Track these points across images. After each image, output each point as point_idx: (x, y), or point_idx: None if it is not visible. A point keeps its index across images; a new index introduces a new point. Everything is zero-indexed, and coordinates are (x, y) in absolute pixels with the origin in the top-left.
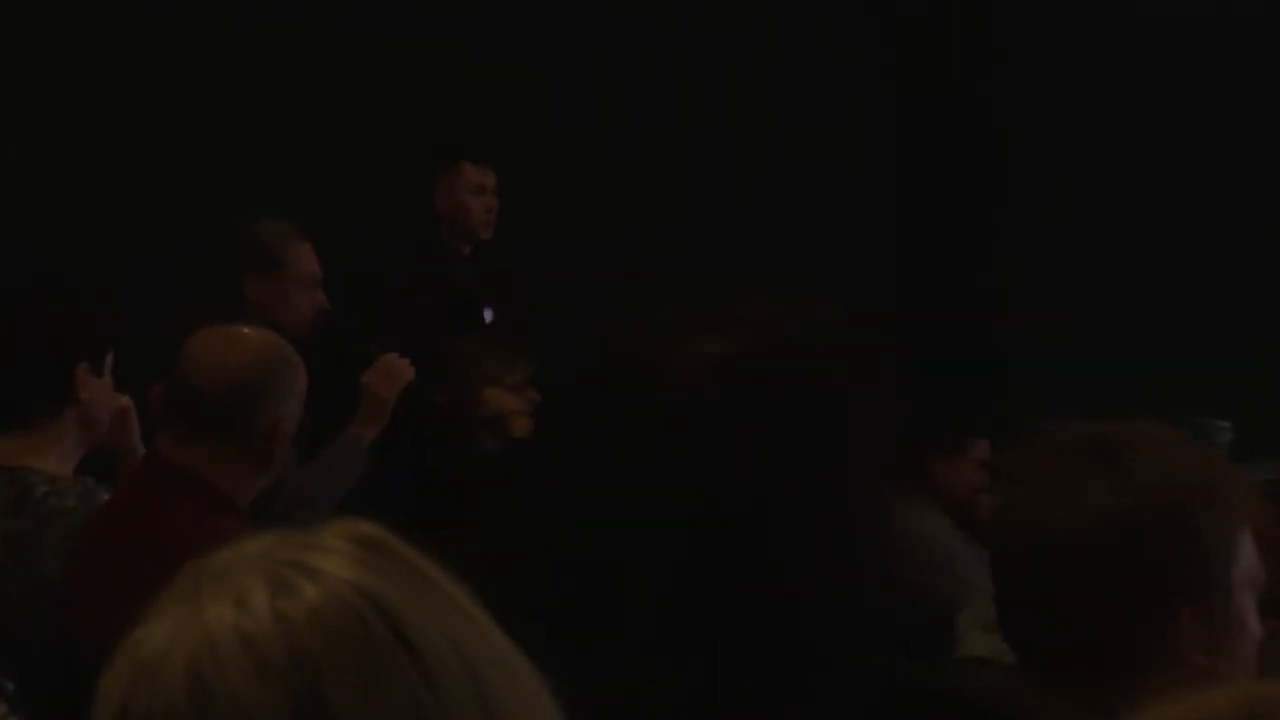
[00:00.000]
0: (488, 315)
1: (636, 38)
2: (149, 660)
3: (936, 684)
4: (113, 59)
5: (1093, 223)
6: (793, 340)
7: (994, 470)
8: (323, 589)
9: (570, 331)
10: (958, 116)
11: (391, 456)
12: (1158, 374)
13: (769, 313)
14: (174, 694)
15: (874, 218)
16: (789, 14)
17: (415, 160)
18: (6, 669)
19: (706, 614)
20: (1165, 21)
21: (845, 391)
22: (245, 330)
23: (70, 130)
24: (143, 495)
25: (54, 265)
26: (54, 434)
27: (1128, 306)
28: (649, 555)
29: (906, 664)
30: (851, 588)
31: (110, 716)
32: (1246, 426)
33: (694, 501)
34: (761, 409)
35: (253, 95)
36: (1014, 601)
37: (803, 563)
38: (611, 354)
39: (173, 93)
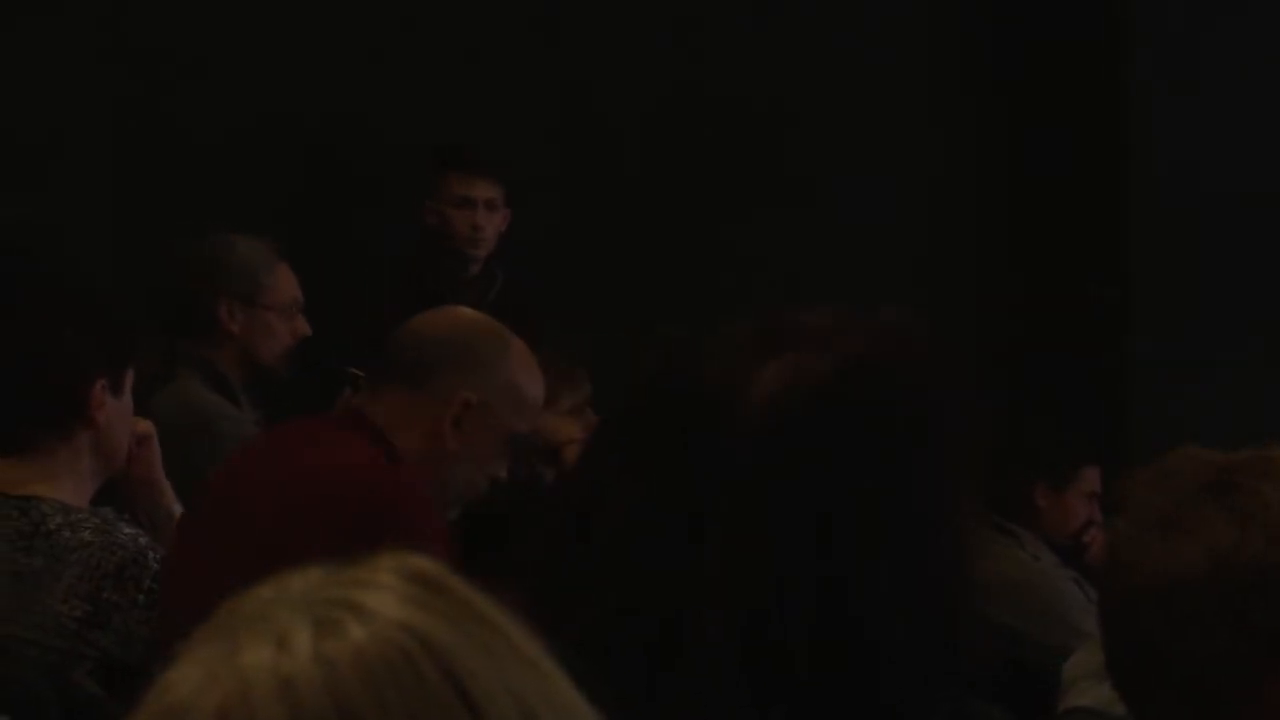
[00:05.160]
0: None
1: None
2: (176, 707)
3: None
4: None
5: (1223, 225)
6: (870, 359)
7: (1106, 502)
8: (371, 630)
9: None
10: (1077, 127)
11: None
12: None
13: (843, 326)
14: None
15: (982, 218)
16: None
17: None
18: (10, 714)
19: (780, 665)
20: None
21: (923, 415)
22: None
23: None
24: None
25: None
26: (64, 460)
27: (1266, 319)
28: (719, 599)
29: (1000, 715)
30: (936, 634)
31: None
32: None
33: (763, 546)
34: (829, 439)
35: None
36: (1124, 647)
37: (881, 608)
38: (672, 380)
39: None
